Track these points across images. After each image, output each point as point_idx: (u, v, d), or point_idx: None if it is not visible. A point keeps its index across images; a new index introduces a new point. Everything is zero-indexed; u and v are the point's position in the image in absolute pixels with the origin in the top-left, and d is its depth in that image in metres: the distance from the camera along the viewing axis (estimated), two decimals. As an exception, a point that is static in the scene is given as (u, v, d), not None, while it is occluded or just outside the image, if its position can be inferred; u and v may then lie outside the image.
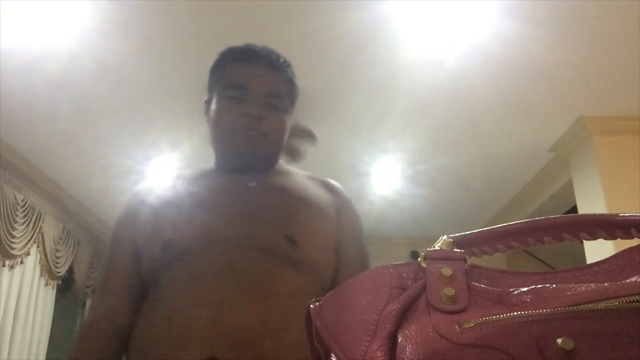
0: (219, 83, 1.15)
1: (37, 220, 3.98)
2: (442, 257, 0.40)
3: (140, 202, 1.15)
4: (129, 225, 1.12)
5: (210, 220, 1.03)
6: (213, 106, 1.14)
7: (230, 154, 1.14)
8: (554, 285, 0.36)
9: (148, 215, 1.10)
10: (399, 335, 0.36)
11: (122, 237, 1.13)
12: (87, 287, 4.90)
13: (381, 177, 4.06)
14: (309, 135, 1.37)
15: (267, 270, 0.97)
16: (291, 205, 1.08)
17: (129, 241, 1.10)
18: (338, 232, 1.10)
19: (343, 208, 1.14)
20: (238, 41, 1.20)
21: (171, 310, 0.94)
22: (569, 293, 0.35)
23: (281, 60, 1.16)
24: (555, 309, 0.33)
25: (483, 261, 0.44)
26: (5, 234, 3.56)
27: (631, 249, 0.39)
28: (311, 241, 1.04)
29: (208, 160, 1.19)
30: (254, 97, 1.10)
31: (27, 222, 3.84)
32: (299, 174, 1.20)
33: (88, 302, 5.20)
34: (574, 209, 3.63)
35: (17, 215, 3.70)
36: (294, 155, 3.55)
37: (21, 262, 3.83)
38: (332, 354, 0.39)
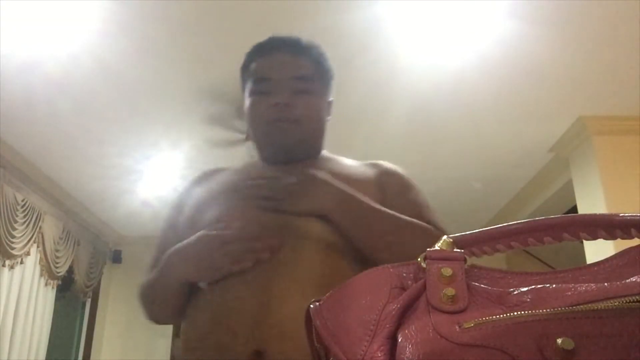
0: (247, 82, 1.15)
1: (37, 220, 3.98)
2: (442, 257, 0.40)
3: (188, 191, 1.16)
4: (176, 213, 1.14)
5: (249, 208, 1.01)
6: (246, 104, 1.13)
7: (266, 146, 1.12)
8: (554, 285, 0.36)
9: (193, 205, 1.10)
10: (399, 335, 0.36)
11: (169, 223, 1.14)
12: (87, 287, 4.90)
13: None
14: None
15: (309, 258, 0.95)
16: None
17: (175, 228, 1.11)
18: (383, 206, 1.03)
19: (388, 181, 1.09)
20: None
21: (217, 302, 0.93)
22: (569, 293, 0.35)
23: (304, 42, 1.14)
24: (555, 309, 0.33)
25: (483, 261, 0.44)
26: (5, 234, 3.56)
27: (631, 248, 0.39)
28: None
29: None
30: (280, 86, 1.08)
31: (27, 222, 3.84)
32: (344, 160, 1.17)
33: (88, 303, 5.20)
34: (574, 209, 3.62)
35: (17, 215, 3.70)
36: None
37: (21, 262, 3.82)
38: (332, 354, 0.39)
